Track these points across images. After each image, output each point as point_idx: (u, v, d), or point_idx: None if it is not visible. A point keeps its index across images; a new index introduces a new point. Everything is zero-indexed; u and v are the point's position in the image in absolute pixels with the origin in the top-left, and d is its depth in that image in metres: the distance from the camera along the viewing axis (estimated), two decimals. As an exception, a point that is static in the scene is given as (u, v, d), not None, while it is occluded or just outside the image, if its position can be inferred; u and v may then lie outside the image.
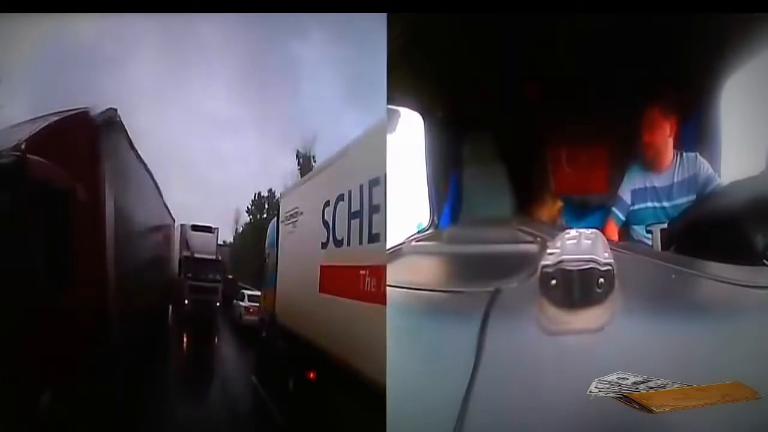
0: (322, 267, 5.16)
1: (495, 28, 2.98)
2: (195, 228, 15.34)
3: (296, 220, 6.53)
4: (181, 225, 14.65)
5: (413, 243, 2.77)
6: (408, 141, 3.40)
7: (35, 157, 3.22)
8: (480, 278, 2.02)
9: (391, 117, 3.19)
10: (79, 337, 3.71)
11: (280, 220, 7.36)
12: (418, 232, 3.33)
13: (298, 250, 6.35)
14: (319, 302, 5.10)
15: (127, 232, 5.43)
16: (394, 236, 2.99)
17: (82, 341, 3.76)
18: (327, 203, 5.14)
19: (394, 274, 2.33)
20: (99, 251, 4.22)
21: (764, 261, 2.06)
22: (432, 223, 3.54)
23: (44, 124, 3.74)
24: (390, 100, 2.96)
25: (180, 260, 13.98)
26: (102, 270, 4.26)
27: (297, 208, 6.53)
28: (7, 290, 2.87)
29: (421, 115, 3.41)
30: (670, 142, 3.15)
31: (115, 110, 4.59)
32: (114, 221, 4.46)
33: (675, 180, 3.18)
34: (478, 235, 2.51)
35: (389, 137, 3.23)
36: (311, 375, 5.21)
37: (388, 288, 2.14)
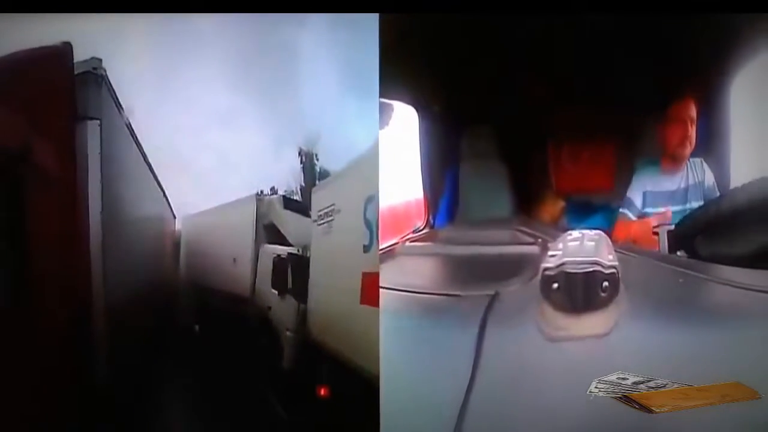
0: (364, 274, 4.50)
1: (494, 20, 2.90)
2: (288, 203, 8.15)
3: (332, 219, 5.72)
4: (258, 197, 8.19)
5: (407, 243, 2.71)
6: (401, 137, 3.31)
7: None
8: (478, 281, 1.97)
9: (384, 111, 3.10)
10: (44, 367, 2.72)
11: (312, 219, 6.47)
12: (413, 232, 3.25)
13: (334, 255, 5.64)
14: (361, 315, 4.39)
15: (120, 223, 4.35)
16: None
17: (50, 372, 2.77)
18: (370, 198, 4.39)
19: (386, 276, 2.25)
20: (74, 241, 3.16)
21: None
22: (427, 223, 3.44)
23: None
24: (383, 94, 2.87)
25: (277, 262, 6.83)
26: (81, 269, 3.22)
27: (333, 205, 5.69)
28: None
29: (416, 109, 3.32)
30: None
31: (100, 60, 3.64)
32: (101, 203, 3.44)
33: (689, 183, 3.13)
34: (475, 236, 2.45)
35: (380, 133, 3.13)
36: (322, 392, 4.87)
37: (380, 291, 2.06)
